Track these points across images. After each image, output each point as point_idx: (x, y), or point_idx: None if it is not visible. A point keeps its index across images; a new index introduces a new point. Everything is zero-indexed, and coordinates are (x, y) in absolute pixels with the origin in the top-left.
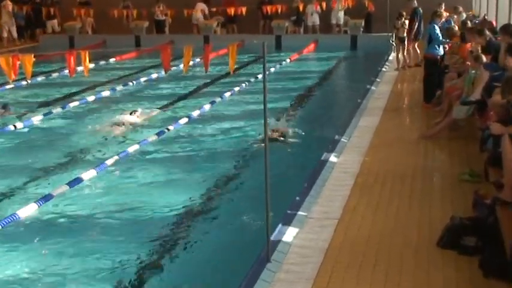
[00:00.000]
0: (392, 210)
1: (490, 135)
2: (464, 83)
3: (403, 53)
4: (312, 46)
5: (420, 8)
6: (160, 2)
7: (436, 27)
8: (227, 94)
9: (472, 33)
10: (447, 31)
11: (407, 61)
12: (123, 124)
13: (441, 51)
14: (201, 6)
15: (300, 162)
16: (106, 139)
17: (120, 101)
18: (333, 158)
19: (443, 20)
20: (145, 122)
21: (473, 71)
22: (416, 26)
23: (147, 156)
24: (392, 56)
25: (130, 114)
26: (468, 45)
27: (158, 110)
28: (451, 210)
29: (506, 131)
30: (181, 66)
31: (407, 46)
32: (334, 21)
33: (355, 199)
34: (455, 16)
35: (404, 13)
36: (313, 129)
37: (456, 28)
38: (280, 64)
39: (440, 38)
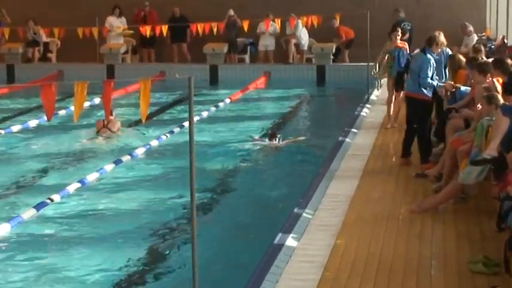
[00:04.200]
0: None
1: None
2: (475, 135)
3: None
4: (262, 80)
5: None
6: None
7: (431, 58)
8: (139, 151)
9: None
10: (450, 61)
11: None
12: None
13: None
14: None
15: (244, 248)
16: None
17: None
18: (290, 241)
19: (440, 50)
20: None
21: (486, 118)
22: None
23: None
24: (375, 94)
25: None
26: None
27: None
28: None
29: None
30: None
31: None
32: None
33: None
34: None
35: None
36: (264, 200)
37: (461, 57)
38: (216, 106)
39: (429, 79)
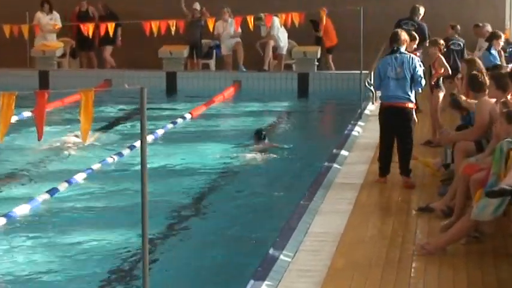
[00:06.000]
0: None
1: None
2: (493, 160)
3: None
4: (230, 91)
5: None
6: None
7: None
8: (79, 176)
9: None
10: (467, 66)
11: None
12: None
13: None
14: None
15: None
16: None
17: None
18: None
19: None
20: None
21: (506, 140)
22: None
23: None
24: (369, 109)
25: None
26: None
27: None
28: None
29: None
30: None
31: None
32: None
33: None
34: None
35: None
36: (232, 238)
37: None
38: (174, 123)
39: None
